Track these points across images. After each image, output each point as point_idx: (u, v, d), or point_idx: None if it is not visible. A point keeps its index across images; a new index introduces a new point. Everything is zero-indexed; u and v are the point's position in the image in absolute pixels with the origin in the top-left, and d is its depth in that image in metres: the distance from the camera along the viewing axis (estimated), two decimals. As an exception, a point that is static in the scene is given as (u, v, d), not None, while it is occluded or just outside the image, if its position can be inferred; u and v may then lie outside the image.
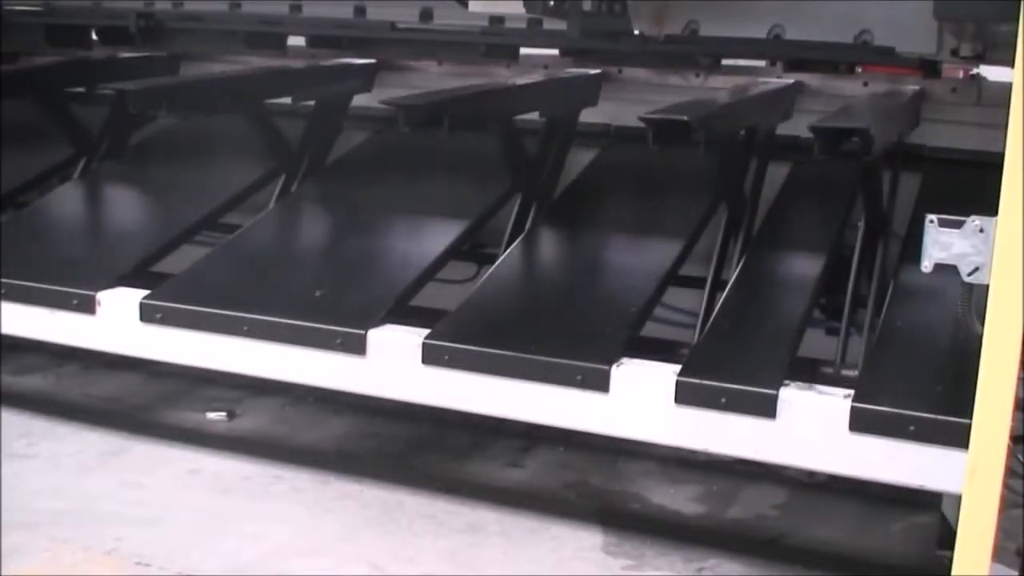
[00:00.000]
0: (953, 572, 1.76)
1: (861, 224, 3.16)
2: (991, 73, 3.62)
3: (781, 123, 3.48)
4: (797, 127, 3.60)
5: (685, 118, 2.61)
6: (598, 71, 3.80)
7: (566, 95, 3.60)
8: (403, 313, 2.95)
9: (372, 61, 4.06)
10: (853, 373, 2.83)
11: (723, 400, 2.48)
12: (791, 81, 3.60)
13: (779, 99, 3.47)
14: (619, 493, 3.29)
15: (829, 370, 2.90)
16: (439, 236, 3.33)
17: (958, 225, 1.85)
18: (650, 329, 3.00)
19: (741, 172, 3.30)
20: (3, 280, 3.18)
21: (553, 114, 3.53)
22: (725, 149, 3.06)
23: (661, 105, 3.73)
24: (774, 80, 3.61)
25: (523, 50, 3.82)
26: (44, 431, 3.48)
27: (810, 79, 3.62)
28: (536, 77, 3.70)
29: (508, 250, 3.30)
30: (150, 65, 4.28)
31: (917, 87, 3.48)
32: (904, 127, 3.28)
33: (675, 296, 3.32)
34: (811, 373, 2.87)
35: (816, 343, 3.08)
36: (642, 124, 3.81)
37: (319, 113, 3.86)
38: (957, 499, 1.78)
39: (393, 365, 2.79)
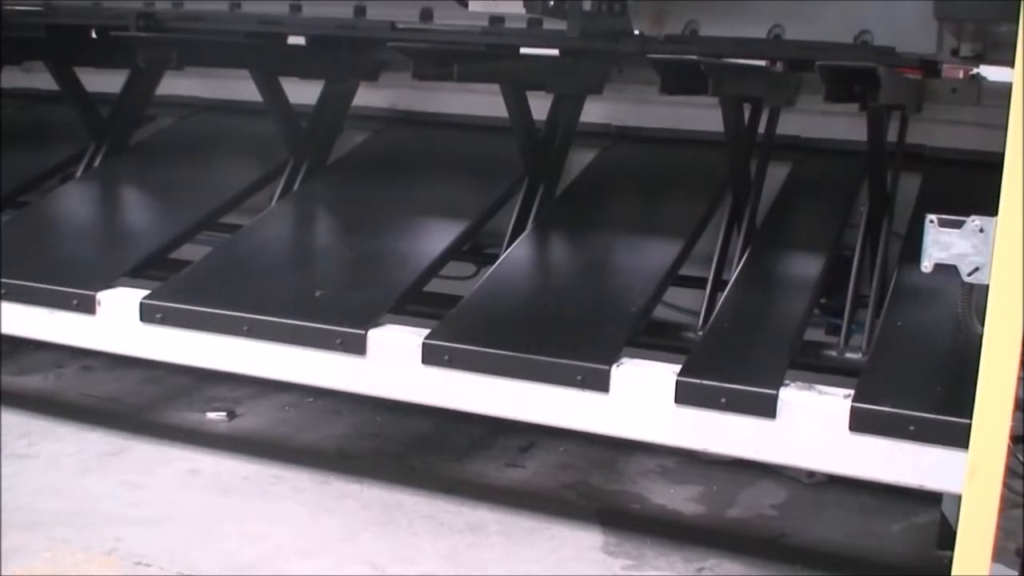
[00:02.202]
0: (953, 572, 1.76)
1: (864, 209, 3.14)
2: (991, 73, 3.62)
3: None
4: (798, 127, 3.61)
5: (694, 57, 2.59)
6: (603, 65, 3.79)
7: (574, 75, 3.58)
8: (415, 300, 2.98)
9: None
10: (856, 356, 2.82)
11: (723, 400, 2.48)
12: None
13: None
14: (619, 493, 3.29)
15: (832, 353, 2.89)
16: (439, 236, 3.33)
17: (958, 225, 1.85)
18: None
19: (748, 153, 3.27)
20: (3, 280, 3.19)
21: (559, 91, 3.53)
22: (730, 104, 3.03)
23: (661, 106, 3.77)
24: None
25: (523, 50, 3.81)
26: (44, 431, 3.48)
27: (811, 79, 3.61)
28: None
29: (508, 250, 3.30)
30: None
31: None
32: (911, 97, 3.25)
33: (675, 296, 3.32)
34: (814, 356, 2.86)
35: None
36: (642, 126, 3.83)
37: (326, 98, 3.87)
38: (957, 499, 1.78)
39: (393, 365, 2.79)
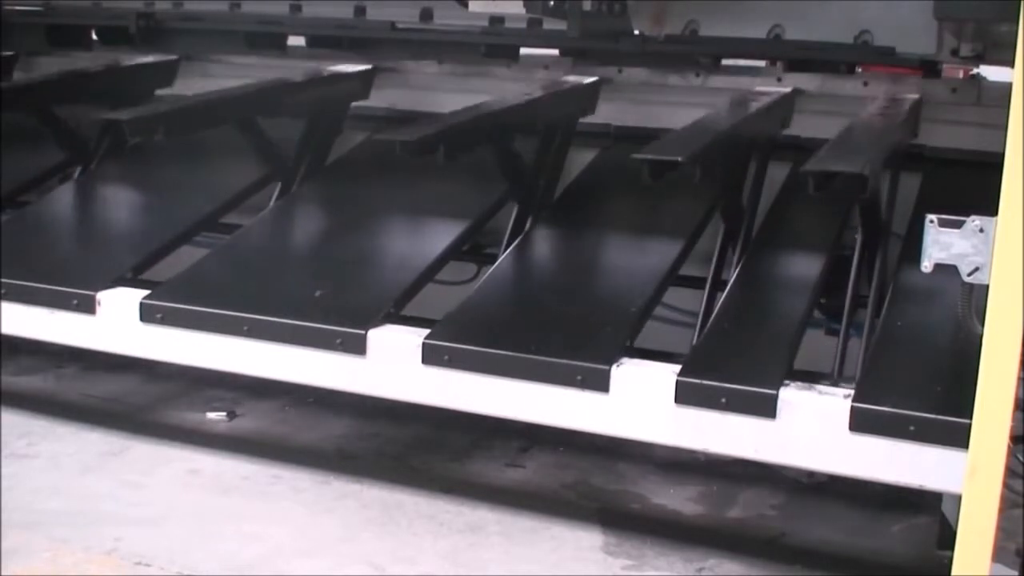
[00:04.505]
0: (953, 572, 1.76)
1: (859, 236, 3.13)
2: (991, 73, 3.62)
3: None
4: (797, 127, 3.61)
5: (679, 158, 2.61)
6: (595, 79, 3.80)
7: (564, 107, 3.59)
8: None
9: (369, 67, 4.07)
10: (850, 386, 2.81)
11: (723, 400, 2.48)
12: (788, 90, 3.56)
13: (775, 114, 3.45)
14: (619, 493, 3.29)
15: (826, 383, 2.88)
16: (439, 236, 3.32)
17: (958, 225, 1.85)
18: (650, 329, 3.00)
19: (739, 186, 3.29)
20: (3, 280, 3.19)
21: (551, 126, 3.53)
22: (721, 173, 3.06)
23: (661, 106, 3.77)
24: (772, 88, 3.57)
25: (523, 50, 3.82)
26: (44, 431, 3.48)
27: (810, 79, 3.61)
28: (534, 90, 3.66)
29: (508, 250, 3.30)
30: (147, 73, 4.29)
31: (916, 95, 3.45)
32: (902, 144, 3.26)
33: (675, 296, 3.32)
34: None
35: (816, 344, 3.08)
36: (642, 126, 3.83)
37: (314, 124, 3.86)
38: (957, 499, 1.78)
39: (393, 365, 2.79)
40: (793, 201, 3.48)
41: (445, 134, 2.94)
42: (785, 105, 3.52)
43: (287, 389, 3.67)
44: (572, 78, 3.80)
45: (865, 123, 3.08)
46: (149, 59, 4.31)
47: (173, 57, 4.33)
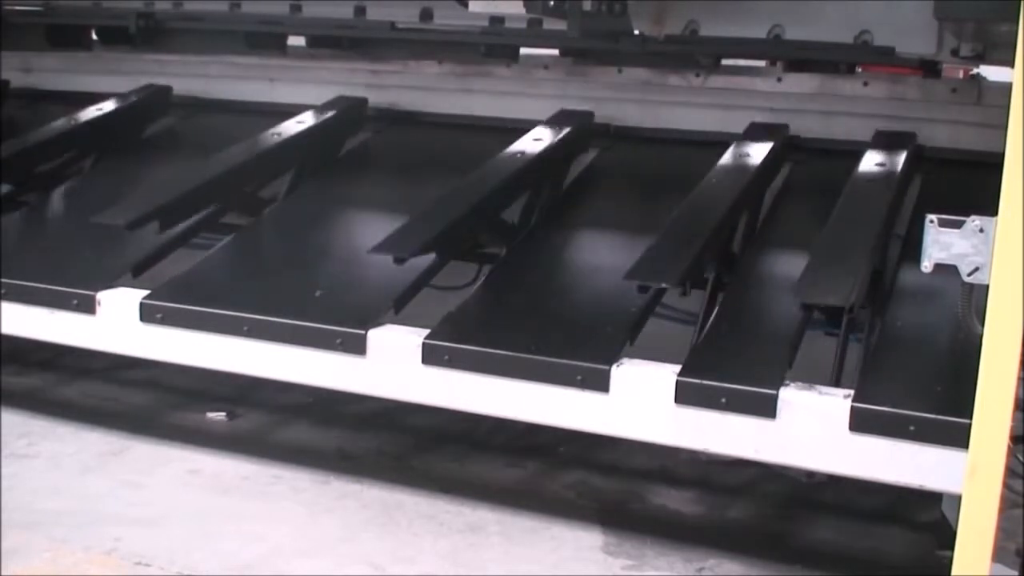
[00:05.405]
0: (953, 572, 1.76)
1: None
2: (991, 73, 3.62)
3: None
4: (798, 127, 3.61)
5: (666, 286, 2.75)
6: (589, 111, 3.79)
7: (556, 160, 3.59)
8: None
9: (361, 98, 4.08)
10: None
11: (723, 400, 2.48)
12: (776, 143, 3.52)
13: (769, 173, 3.44)
14: (619, 493, 3.29)
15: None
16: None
17: (958, 225, 1.85)
18: (650, 329, 3.00)
19: (728, 244, 3.29)
20: (3, 280, 3.19)
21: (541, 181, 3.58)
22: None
23: (660, 106, 3.76)
24: (765, 145, 3.51)
25: (523, 50, 3.82)
26: (44, 431, 3.48)
27: (810, 79, 3.61)
28: (524, 142, 3.62)
29: (508, 251, 3.30)
30: (140, 109, 4.32)
31: (911, 153, 3.41)
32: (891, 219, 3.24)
33: (675, 296, 3.32)
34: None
35: (816, 345, 3.07)
36: (642, 126, 3.83)
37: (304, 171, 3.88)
38: (957, 499, 1.78)
39: (393, 365, 2.80)
40: (793, 201, 3.48)
41: (438, 240, 3.01)
42: (781, 147, 3.51)
43: (287, 389, 3.68)
44: (563, 131, 3.72)
45: (853, 206, 3.03)
46: (139, 97, 4.34)
47: (166, 85, 4.36)
